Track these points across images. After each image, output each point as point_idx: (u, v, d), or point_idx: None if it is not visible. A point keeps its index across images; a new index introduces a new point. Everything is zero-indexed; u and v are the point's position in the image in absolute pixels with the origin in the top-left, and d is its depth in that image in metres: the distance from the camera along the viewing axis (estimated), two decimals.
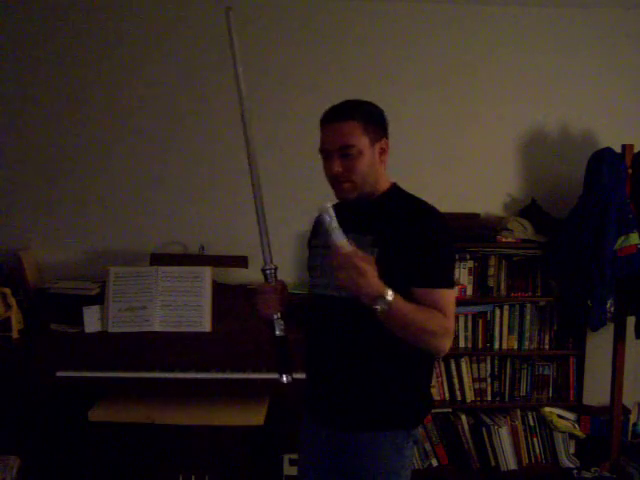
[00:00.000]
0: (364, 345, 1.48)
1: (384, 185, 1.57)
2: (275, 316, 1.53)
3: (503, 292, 2.99)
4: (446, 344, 1.41)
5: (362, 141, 1.47)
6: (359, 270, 1.29)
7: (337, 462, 1.55)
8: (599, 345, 3.05)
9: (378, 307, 1.31)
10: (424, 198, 1.62)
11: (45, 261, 2.99)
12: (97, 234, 3.03)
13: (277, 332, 1.53)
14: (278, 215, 3.00)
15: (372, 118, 1.51)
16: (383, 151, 1.53)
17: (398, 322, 1.36)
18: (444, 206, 3.01)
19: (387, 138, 1.55)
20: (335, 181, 1.50)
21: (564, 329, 3.01)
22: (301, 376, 1.68)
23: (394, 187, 1.59)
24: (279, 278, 1.58)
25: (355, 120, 1.47)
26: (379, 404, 1.50)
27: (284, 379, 1.54)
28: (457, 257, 2.93)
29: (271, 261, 1.55)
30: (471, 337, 3.01)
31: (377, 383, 1.50)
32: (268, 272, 1.55)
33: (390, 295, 1.31)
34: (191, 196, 3.04)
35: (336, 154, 1.47)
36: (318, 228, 1.65)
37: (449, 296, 1.44)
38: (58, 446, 2.62)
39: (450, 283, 1.47)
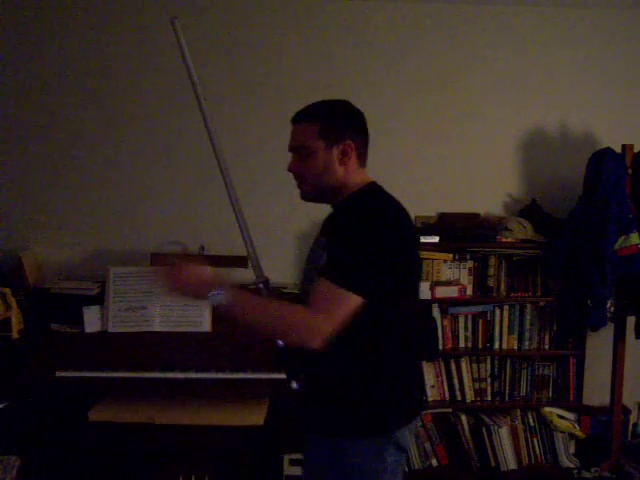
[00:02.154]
0: (336, 349, 1.38)
1: (354, 187, 1.50)
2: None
3: (503, 292, 2.99)
4: (313, 342, 1.30)
5: (316, 143, 1.47)
6: (176, 279, 1.39)
7: (322, 468, 1.52)
8: (599, 345, 3.05)
9: (211, 302, 1.34)
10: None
11: (45, 261, 2.99)
12: (97, 234, 3.03)
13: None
14: (279, 215, 3.02)
15: (332, 120, 1.48)
16: (345, 153, 1.48)
17: (240, 317, 1.36)
18: (444, 206, 3.07)
19: (353, 140, 1.49)
20: (296, 181, 1.55)
21: (564, 329, 3.01)
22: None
23: (366, 188, 1.50)
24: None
25: (311, 122, 1.48)
26: (354, 409, 1.45)
27: (295, 387, 1.52)
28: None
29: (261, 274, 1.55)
30: (471, 337, 3.01)
31: (350, 387, 1.45)
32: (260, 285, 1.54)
33: (222, 291, 1.33)
34: (191, 196, 3.04)
35: (294, 154, 1.53)
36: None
37: (327, 290, 1.31)
38: (58, 446, 2.62)
39: (349, 283, 1.31)
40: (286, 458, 2.78)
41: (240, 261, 2.82)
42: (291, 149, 1.53)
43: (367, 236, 1.34)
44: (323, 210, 1.55)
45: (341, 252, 1.34)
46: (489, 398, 3.02)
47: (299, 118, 1.51)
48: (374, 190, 1.50)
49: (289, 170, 1.54)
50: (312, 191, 1.52)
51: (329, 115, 1.49)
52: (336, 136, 1.48)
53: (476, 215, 3.07)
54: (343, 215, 1.45)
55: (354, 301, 1.31)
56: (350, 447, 1.44)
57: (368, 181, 1.53)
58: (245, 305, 1.36)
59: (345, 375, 1.45)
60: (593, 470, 2.93)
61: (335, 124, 1.48)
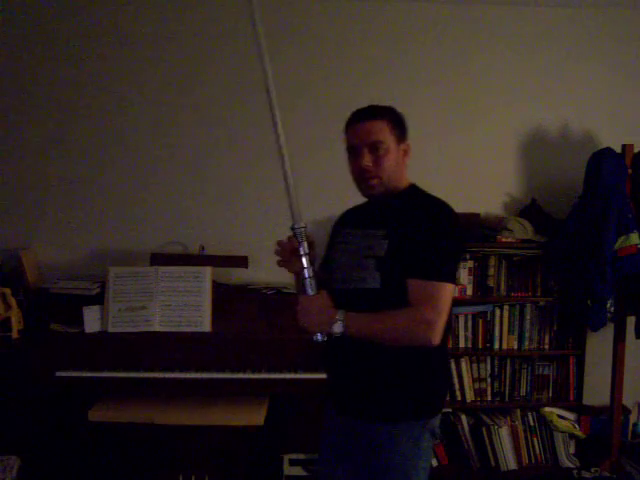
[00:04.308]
0: None
1: (403, 184, 1.63)
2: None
3: (503, 292, 2.99)
4: (429, 335, 1.42)
5: (390, 139, 1.56)
6: (305, 311, 1.47)
7: (354, 450, 1.59)
8: (599, 345, 3.05)
9: (335, 331, 1.44)
10: None
11: (45, 261, 2.99)
12: (97, 234, 3.03)
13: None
14: (282, 215, 3.01)
15: (397, 120, 1.60)
16: (405, 153, 1.62)
17: (361, 336, 1.46)
18: None
19: (408, 142, 1.63)
20: (362, 177, 1.58)
21: (564, 329, 3.01)
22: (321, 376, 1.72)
23: (412, 187, 1.65)
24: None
25: (383, 119, 1.56)
26: (392, 395, 1.53)
27: (319, 338, 1.51)
28: (460, 255, 2.94)
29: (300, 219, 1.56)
30: (471, 337, 3.01)
31: (390, 374, 1.52)
32: (297, 231, 1.54)
33: (340, 320, 1.44)
34: (191, 196, 3.04)
35: (366, 149, 1.56)
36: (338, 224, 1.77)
37: (431, 288, 1.44)
38: (58, 446, 2.62)
39: (439, 276, 1.45)
40: (286, 458, 2.78)
41: (240, 261, 2.82)
42: (366, 145, 1.55)
43: (448, 233, 1.50)
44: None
45: (430, 250, 1.46)
46: (489, 398, 3.02)
47: (369, 115, 1.57)
48: (423, 191, 1.63)
49: (363, 165, 1.55)
50: (382, 186, 1.57)
51: (394, 114, 1.60)
52: (402, 135, 1.60)
53: (476, 215, 3.06)
54: (421, 215, 1.52)
55: (449, 290, 1.47)
56: (407, 430, 1.53)
57: (410, 181, 1.66)
58: (361, 327, 1.46)
59: (411, 361, 1.52)
60: (593, 470, 2.92)
61: (400, 123, 1.60)
